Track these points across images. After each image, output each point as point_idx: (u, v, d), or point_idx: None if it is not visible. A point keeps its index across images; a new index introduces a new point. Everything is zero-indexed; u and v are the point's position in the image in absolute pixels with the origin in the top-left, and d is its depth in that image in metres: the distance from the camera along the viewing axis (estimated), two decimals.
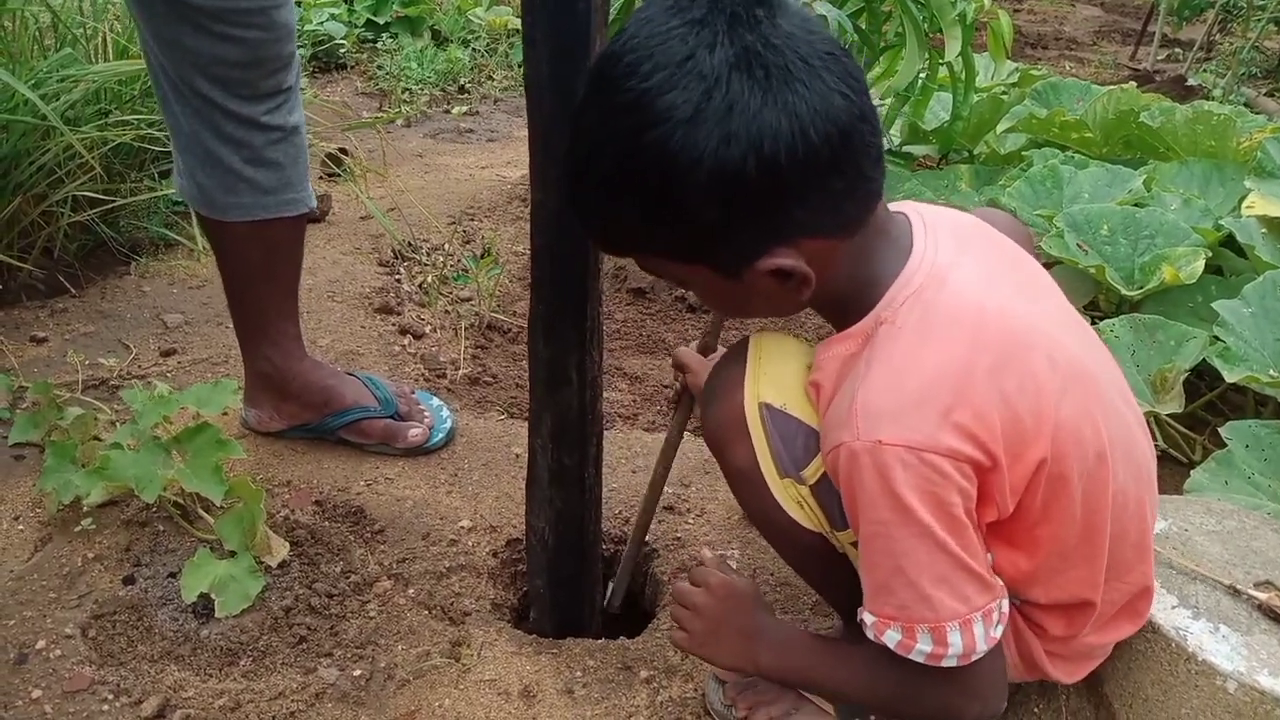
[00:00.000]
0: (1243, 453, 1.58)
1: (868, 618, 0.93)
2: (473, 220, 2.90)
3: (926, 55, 2.46)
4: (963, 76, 2.58)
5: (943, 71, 2.65)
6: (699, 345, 1.30)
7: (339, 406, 1.68)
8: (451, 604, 1.40)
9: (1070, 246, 2.06)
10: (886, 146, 2.83)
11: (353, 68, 5.00)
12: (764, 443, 1.00)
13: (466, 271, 2.42)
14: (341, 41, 4.93)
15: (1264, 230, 2.08)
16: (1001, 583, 0.93)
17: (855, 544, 0.96)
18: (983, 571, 0.90)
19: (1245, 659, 1.05)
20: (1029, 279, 1.02)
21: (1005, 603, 0.92)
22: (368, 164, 3.12)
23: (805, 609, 1.41)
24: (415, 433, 1.70)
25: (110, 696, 1.18)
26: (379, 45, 5.26)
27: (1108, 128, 2.76)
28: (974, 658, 0.90)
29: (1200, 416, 1.91)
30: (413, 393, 1.79)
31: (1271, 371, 1.68)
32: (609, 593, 1.43)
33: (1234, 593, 1.13)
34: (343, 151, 3.29)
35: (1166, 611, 1.11)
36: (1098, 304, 2.17)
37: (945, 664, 0.90)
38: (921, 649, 0.90)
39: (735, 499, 1.10)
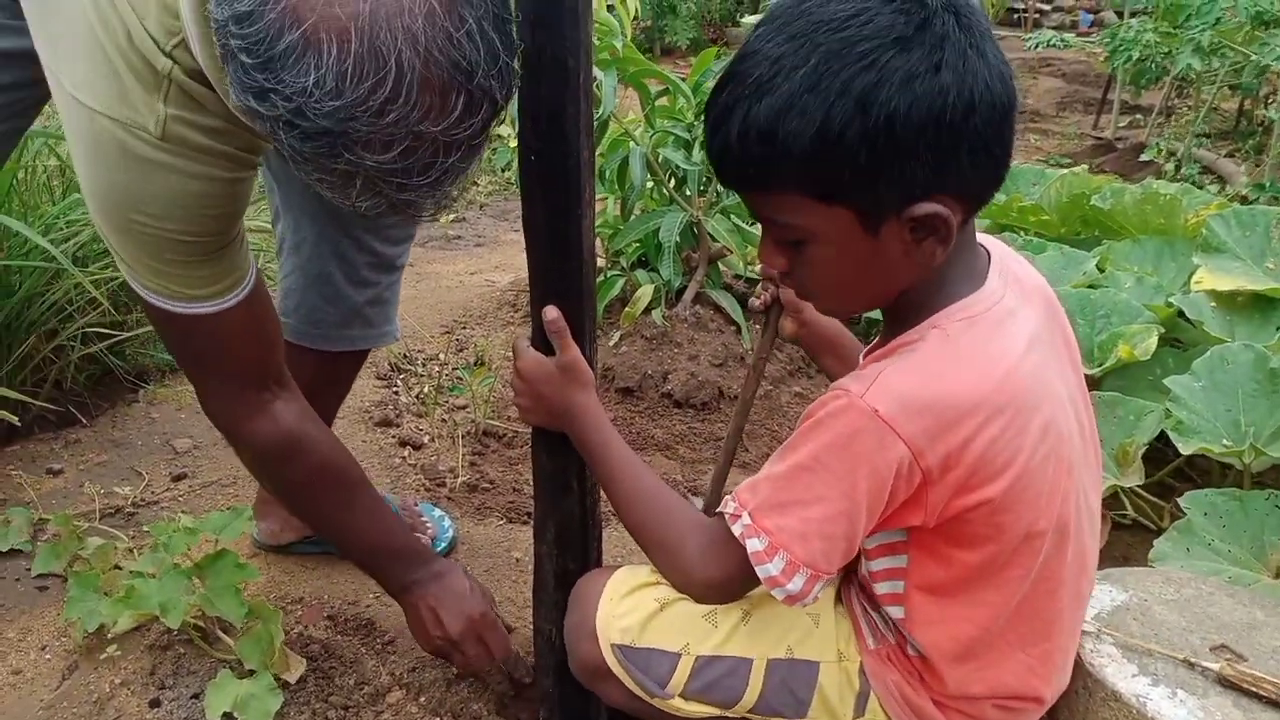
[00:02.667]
0: (1201, 520, 1.68)
1: (745, 516, 0.98)
2: (464, 328, 3.03)
3: None
4: None
5: None
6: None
7: None
8: (461, 709, 1.47)
9: None
10: None
11: None
12: (628, 679, 1.13)
13: (461, 381, 2.53)
14: None
15: (1213, 304, 2.21)
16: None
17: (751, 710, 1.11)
18: (850, 554, 0.98)
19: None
20: (1068, 353, 1.09)
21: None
22: None
23: None
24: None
25: None
26: None
27: (1063, 210, 2.92)
28: (794, 604, 0.98)
29: (1168, 484, 2.01)
30: (416, 505, 1.88)
31: (1225, 441, 1.79)
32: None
33: (1189, 665, 1.21)
34: None
35: (1127, 680, 1.20)
36: None
37: (774, 592, 0.98)
38: (769, 570, 0.97)
39: None
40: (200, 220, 1.13)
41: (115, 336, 2.35)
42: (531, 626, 1.44)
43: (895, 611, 1.07)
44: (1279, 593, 1.57)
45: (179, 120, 1.06)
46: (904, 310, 1.01)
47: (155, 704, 1.43)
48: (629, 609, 1.14)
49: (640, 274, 2.81)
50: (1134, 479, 1.83)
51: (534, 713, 1.50)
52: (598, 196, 3.10)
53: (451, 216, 4.73)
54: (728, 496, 1.04)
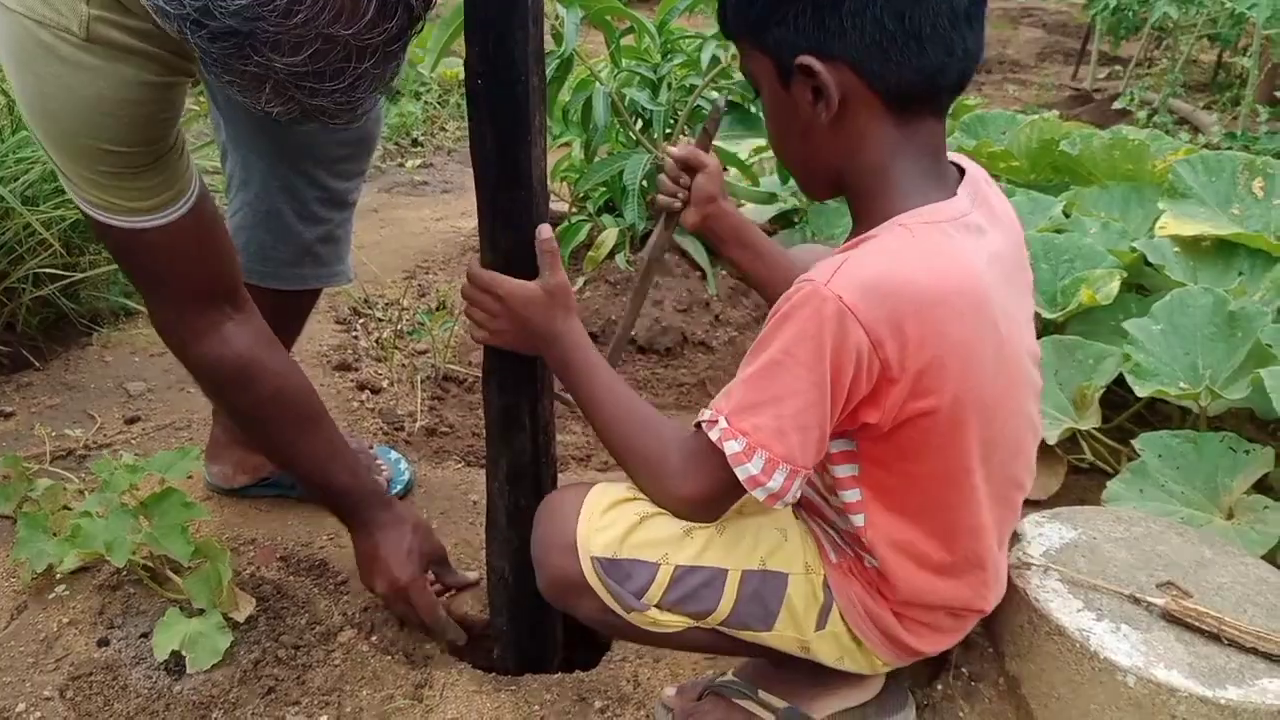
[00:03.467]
0: (1156, 462, 1.69)
1: (721, 420, 0.99)
2: (427, 273, 2.99)
3: None
4: None
5: None
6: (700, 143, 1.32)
7: None
8: (415, 649, 1.46)
9: None
10: None
11: None
12: (605, 593, 1.12)
13: (422, 326, 2.50)
14: None
15: (1176, 249, 2.20)
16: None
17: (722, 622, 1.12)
18: (824, 444, 0.99)
19: (1144, 655, 1.14)
20: (1024, 281, 1.12)
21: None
22: None
23: None
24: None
25: None
26: None
27: (1032, 156, 2.89)
28: (775, 502, 0.99)
29: (1127, 428, 2.02)
30: (371, 448, 1.86)
31: (1181, 384, 1.80)
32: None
33: (1134, 601, 1.22)
34: None
35: (1072, 615, 1.20)
36: None
37: (756, 492, 0.98)
38: (749, 470, 0.97)
39: None
40: (132, 128, 1.11)
41: (67, 278, 2.30)
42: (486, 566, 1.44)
43: (856, 520, 1.08)
44: (1230, 533, 1.58)
45: (102, 20, 1.03)
46: (863, 208, 1.04)
47: (104, 643, 1.42)
48: (609, 522, 1.12)
49: (606, 218, 2.78)
50: (1092, 421, 1.83)
51: (487, 651, 1.51)
52: (562, 140, 3.06)
53: (418, 162, 4.66)
54: (703, 408, 1.03)
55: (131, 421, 2.03)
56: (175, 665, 1.37)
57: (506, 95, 1.10)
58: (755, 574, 1.13)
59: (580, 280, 2.57)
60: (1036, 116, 3.01)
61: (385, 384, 2.25)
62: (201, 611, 1.39)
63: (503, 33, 1.06)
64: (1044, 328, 2.23)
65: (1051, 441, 1.81)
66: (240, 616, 1.41)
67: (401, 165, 4.63)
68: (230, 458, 1.75)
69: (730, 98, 2.51)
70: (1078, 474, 1.97)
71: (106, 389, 2.15)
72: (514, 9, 1.05)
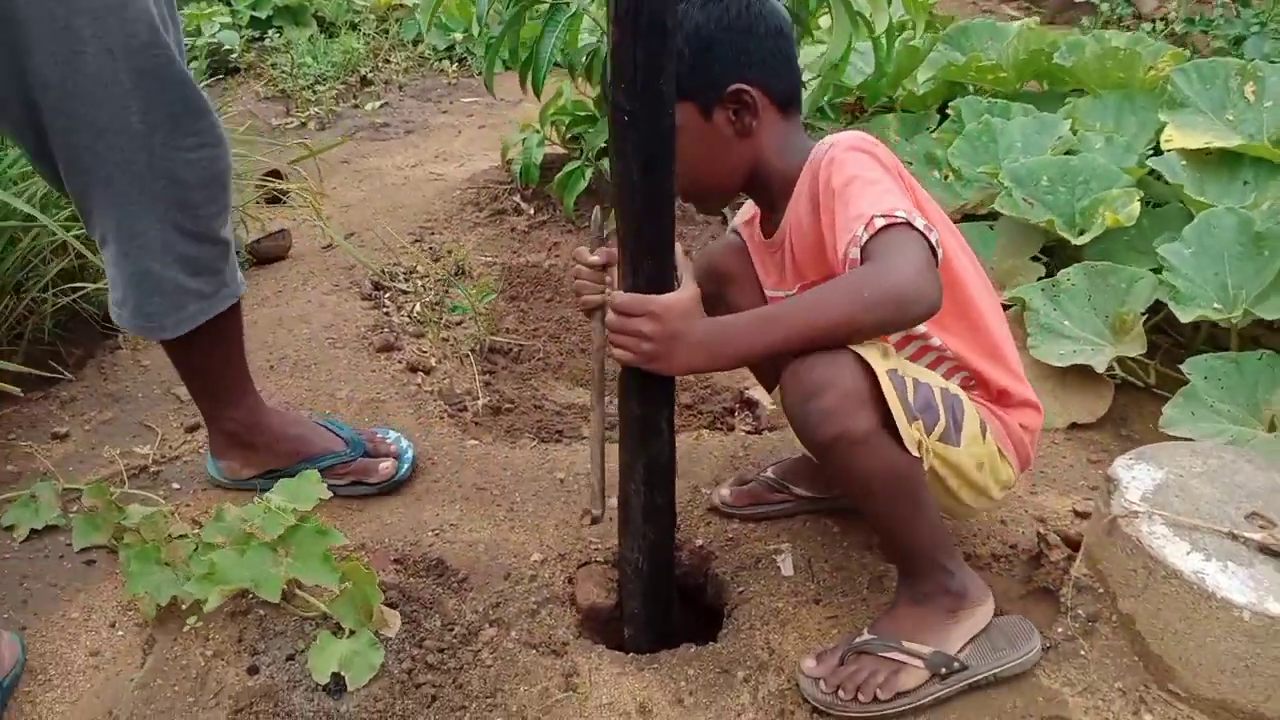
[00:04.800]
0: (1203, 384, 1.81)
1: (877, 219, 1.16)
2: (433, 234, 2.96)
3: (854, 27, 2.59)
4: (884, 40, 2.72)
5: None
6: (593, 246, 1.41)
7: (309, 454, 1.79)
8: (551, 637, 1.53)
9: (1018, 203, 2.26)
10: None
11: (246, 70, 4.89)
12: (895, 397, 1.21)
13: (447, 293, 2.50)
14: (232, 48, 4.81)
15: (1183, 162, 2.30)
16: None
17: (952, 468, 1.33)
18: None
19: (1254, 590, 1.26)
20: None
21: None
22: (301, 181, 3.12)
23: (863, 588, 1.59)
24: (385, 466, 1.82)
25: None
26: (266, 42, 5.14)
27: (1020, 67, 2.95)
28: (934, 238, 1.17)
29: (1151, 341, 2.14)
30: (373, 429, 1.91)
31: (1216, 305, 1.91)
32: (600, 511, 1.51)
33: (1233, 537, 1.34)
34: (274, 174, 3.29)
35: (1183, 558, 1.32)
36: (1044, 253, 2.37)
37: (931, 236, 1.17)
38: (922, 221, 1.17)
39: (841, 472, 1.28)
40: None
41: (82, 288, 2.24)
42: (616, 552, 1.50)
43: (934, 340, 1.38)
44: (1275, 445, 1.72)
45: None
46: (779, 182, 1.38)
47: (254, 671, 1.46)
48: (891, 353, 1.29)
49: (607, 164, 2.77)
50: (1135, 348, 1.94)
51: (617, 634, 1.59)
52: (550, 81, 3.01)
53: (377, 103, 4.52)
54: (869, 219, 1.17)
55: (192, 429, 2.02)
56: (334, 685, 1.42)
57: (653, 132, 1.12)
58: (951, 394, 1.32)
59: (609, 233, 2.57)
60: (1022, 25, 3.05)
61: (433, 362, 2.26)
62: (351, 632, 1.44)
63: (650, 75, 1.07)
64: (1065, 250, 2.33)
65: (1100, 370, 1.92)
66: (390, 633, 1.47)
67: (357, 108, 4.50)
68: (238, 453, 1.79)
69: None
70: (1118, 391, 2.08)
71: (155, 397, 2.13)
72: (665, 46, 1.06)
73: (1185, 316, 1.87)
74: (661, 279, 1.22)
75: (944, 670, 1.35)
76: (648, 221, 1.19)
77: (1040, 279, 2.18)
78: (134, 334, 1.57)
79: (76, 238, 2.14)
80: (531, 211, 3.06)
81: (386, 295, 2.53)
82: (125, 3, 1.25)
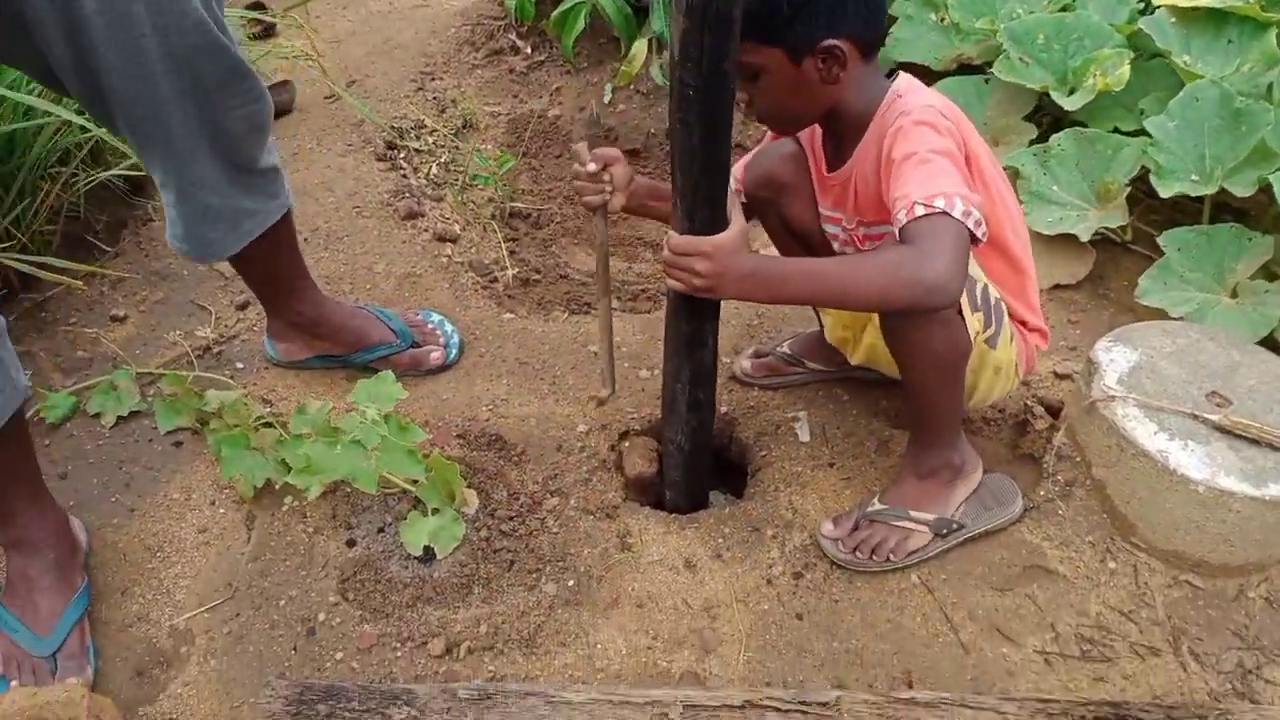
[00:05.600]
0: (1176, 256, 2.00)
1: (917, 206, 1.27)
2: (433, 79, 2.97)
3: None
4: None
5: None
6: (591, 145, 1.57)
7: (367, 344, 1.97)
8: (604, 501, 1.77)
9: (1015, 64, 2.34)
10: None
11: None
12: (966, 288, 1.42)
13: (458, 149, 2.57)
14: None
15: (1173, 20, 2.37)
16: None
17: (983, 365, 1.54)
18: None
19: (1209, 467, 1.51)
20: None
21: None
22: (283, 12, 3.07)
23: (871, 451, 1.83)
24: (435, 355, 2.01)
25: (397, 645, 1.54)
26: None
27: None
28: (979, 228, 1.29)
29: (1129, 196, 2.30)
30: (417, 314, 2.07)
31: (1193, 177, 2.07)
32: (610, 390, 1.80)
33: (1194, 418, 1.57)
34: (258, 4, 3.23)
35: (1150, 438, 1.56)
36: (1032, 117, 2.47)
37: (969, 220, 1.27)
38: (961, 207, 1.26)
39: (910, 342, 1.47)
40: None
41: (111, 165, 2.29)
42: (652, 422, 1.71)
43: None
44: (1234, 313, 1.94)
45: None
46: (857, 118, 1.48)
47: (351, 544, 1.69)
48: None
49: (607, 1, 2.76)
50: (1117, 218, 2.11)
51: (658, 497, 1.83)
52: None
53: None
54: (911, 204, 1.28)
55: (243, 307, 2.16)
56: (425, 555, 1.65)
57: (716, 104, 1.22)
58: (1000, 305, 1.53)
59: (609, 91, 2.63)
60: None
61: (458, 229, 2.37)
62: (436, 510, 1.66)
63: (715, 60, 1.17)
64: (1055, 112, 2.44)
65: (1085, 239, 2.10)
66: (470, 510, 1.69)
67: None
68: (295, 336, 1.95)
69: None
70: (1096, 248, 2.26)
71: (200, 274, 2.24)
72: (730, 36, 1.16)
73: (1165, 191, 2.03)
74: (714, 223, 1.36)
75: (944, 531, 1.62)
76: (704, 179, 1.31)
77: (1032, 141, 2.31)
78: (197, 260, 1.70)
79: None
80: (529, 50, 3.06)
81: (401, 155, 2.59)
82: None
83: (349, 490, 1.76)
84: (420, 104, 2.80)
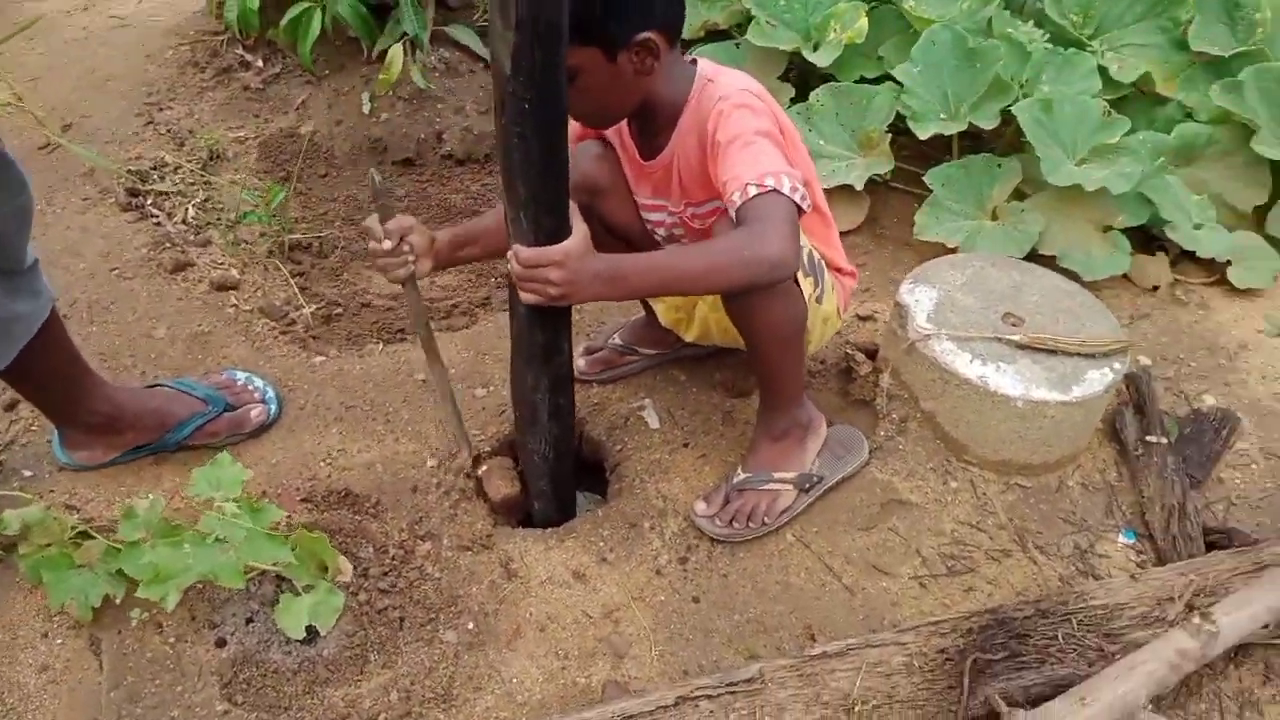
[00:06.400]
0: (941, 190, 2.19)
1: (749, 187, 1.35)
2: (160, 110, 2.72)
3: None
4: None
5: None
6: (383, 216, 1.53)
7: (176, 422, 1.81)
8: (476, 532, 1.73)
9: (764, 27, 2.45)
10: None
11: None
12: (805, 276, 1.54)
13: (209, 184, 2.37)
14: None
15: None
16: None
17: (816, 319, 1.62)
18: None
19: (1022, 382, 1.69)
20: None
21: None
22: None
23: (718, 424, 1.90)
24: (256, 413, 1.87)
25: None
26: None
27: None
28: (805, 201, 1.38)
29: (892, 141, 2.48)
30: (220, 374, 1.92)
31: (941, 115, 2.26)
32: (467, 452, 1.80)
33: (999, 340, 1.75)
34: None
35: (967, 366, 1.72)
36: (788, 75, 2.60)
37: (796, 196, 1.36)
38: (788, 184, 1.35)
39: (753, 319, 1.53)
40: None
41: None
42: (502, 439, 1.70)
43: None
44: (998, 233, 2.16)
45: None
46: (668, 106, 1.53)
47: (221, 643, 1.56)
48: None
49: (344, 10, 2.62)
50: (883, 164, 2.27)
51: (524, 515, 1.81)
52: None
53: None
54: (743, 185, 1.35)
55: (11, 407, 1.91)
56: (308, 635, 1.56)
57: (553, 113, 1.22)
58: (820, 262, 1.62)
59: (368, 102, 2.51)
60: None
61: (236, 274, 2.20)
62: (308, 586, 1.57)
63: (547, 71, 1.16)
64: (807, 66, 2.58)
65: (859, 188, 2.25)
66: (346, 577, 1.61)
67: None
68: (90, 441, 1.77)
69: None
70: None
71: None
72: (559, 44, 1.15)
73: (923, 133, 2.21)
74: (559, 231, 1.35)
75: (807, 486, 1.72)
76: (545, 188, 1.30)
77: (792, 100, 2.44)
78: None
79: None
80: (260, 64, 2.85)
81: (149, 201, 2.36)
82: None
83: (200, 586, 1.62)
84: (154, 140, 2.55)
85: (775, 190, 1.35)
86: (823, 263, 1.65)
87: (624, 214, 1.70)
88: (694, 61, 1.56)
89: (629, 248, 1.73)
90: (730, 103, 1.45)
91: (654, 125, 1.58)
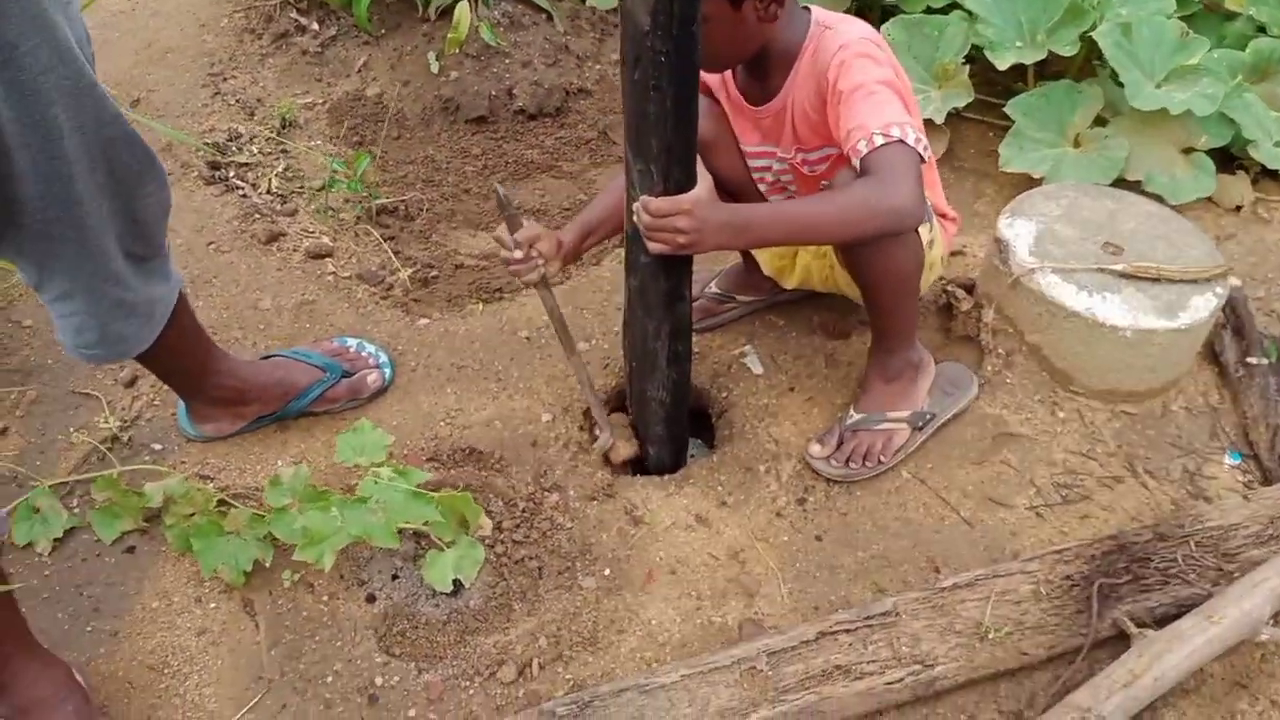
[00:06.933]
0: (1023, 120, 2.20)
1: (876, 136, 1.38)
2: (224, 79, 2.73)
3: None
4: None
5: None
6: (511, 227, 1.60)
7: (298, 391, 1.86)
8: (598, 482, 1.79)
9: None
10: None
11: None
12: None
13: (285, 152, 2.40)
14: None
15: None
16: None
17: (928, 264, 1.64)
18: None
19: (1129, 312, 1.72)
20: None
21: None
22: None
23: (822, 367, 1.94)
24: (373, 378, 1.92)
25: (467, 683, 1.53)
26: None
27: None
28: (927, 151, 1.43)
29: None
30: (331, 343, 1.97)
31: (1018, 44, 2.25)
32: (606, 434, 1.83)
33: (1101, 271, 1.78)
34: None
35: (1074, 298, 1.75)
36: (856, 9, 2.58)
37: (920, 146, 1.40)
38: (912, 135, 1.39)
39: (880, 264, 1.57)
40: None
41: None
42: (629, 393, 1.75)
43: None
44: (1082, 160, 2.16)
45: None
46: (786, 52, 1.55)
47: (372, 599, 1.63)
48: None
49: None
50: (963, 97, 2.27)
51: (639, 465, 1.87)
52: None
53: None
54: (869, 135, 1.39)
55: (131, 383, 1.97)
56: (454, 588, 1.63)
57: (687, 65, 1.25)
58: (930, 210, 1.63)
59: (434, 62, 2.51)
60: None
61: (328, 241, 2.24)
62: (450, 543, 1.63)
63: (684, 25, 1.19)
64: (868, 3, 2.56)
65: (939, 121, 2.26)
66: (486, 532, 1.67)
67: None
68: (216, 413, 1.83)
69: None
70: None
71: (67, 360, 2.01)
72: (695, 5, 1.18)
73: (1001, 63, 2.21)
74: (687, 182, 1.39)
75: (920, 424, 1.76)
76: (677, 140, 1.33)
77: None
78: (106, 361, 1.55)
79: None
80: (316, 27, 2.85)
81: (231, 174, 2.39)
82: (93, 83, 1.23)
83: (345, 547, 1.69)
84: (224, 111, 2.57)
85: (900, 141, 1.37)
86: (931, 209, 1.67)
87: (733, 167, 1.72)
88: (806, 8, 1.56)
89: (733, 199, 1.76)
90: (851, 51, 1.46)
91: (767, 71, 1.59)
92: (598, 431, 1.81)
